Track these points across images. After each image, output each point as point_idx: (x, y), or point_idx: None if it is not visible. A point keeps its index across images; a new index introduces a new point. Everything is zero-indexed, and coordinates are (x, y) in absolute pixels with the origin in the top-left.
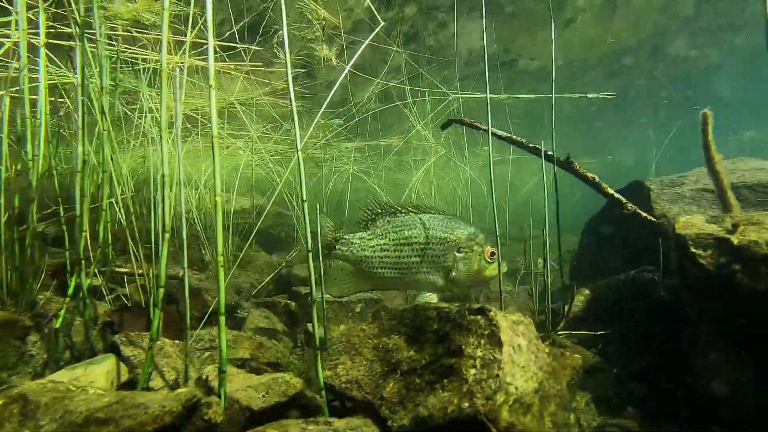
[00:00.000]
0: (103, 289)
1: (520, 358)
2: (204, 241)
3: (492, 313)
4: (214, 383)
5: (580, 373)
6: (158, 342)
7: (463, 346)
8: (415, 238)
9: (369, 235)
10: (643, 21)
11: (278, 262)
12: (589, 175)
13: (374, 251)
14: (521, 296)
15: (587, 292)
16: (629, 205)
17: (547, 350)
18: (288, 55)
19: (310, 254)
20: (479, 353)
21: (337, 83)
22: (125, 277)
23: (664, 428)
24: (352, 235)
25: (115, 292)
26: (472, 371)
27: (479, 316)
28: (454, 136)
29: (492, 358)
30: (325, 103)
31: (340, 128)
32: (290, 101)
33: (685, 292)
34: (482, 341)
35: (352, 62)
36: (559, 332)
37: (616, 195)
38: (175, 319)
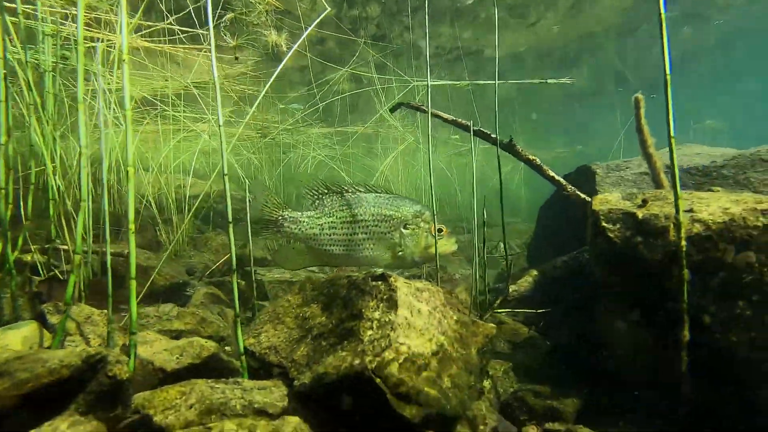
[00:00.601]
0: (39, 265)
1: (418, 321)
2: (159, 223)
3: (392, 279)
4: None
5: (493, 341)
6: (86, 311)
7: (363, 310)
8: (362, 216)
9: (317, 213)
10: (609, 15)
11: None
12: (531, 157)
13: (322, 229)
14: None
15: (535, 273)
16: (568, 187)
17: (455, 318)
18: (212, 32)
19: (231, 225)
20: (377, 316)
21: (280, 66)
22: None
23: (572, 392)
24: (300, 213)
25: (57, 268)
26: (369, 332)
27: (380, 282)
28: (424, 124)
29: (387, 320)
30: (268, 84)
31: (300, 113)
32: (213, 76)
33: (596, 265)
34: (381, 305)
35: (296, 46)
36: (501, 310)
37: (557, 177)
38: (119, 296)
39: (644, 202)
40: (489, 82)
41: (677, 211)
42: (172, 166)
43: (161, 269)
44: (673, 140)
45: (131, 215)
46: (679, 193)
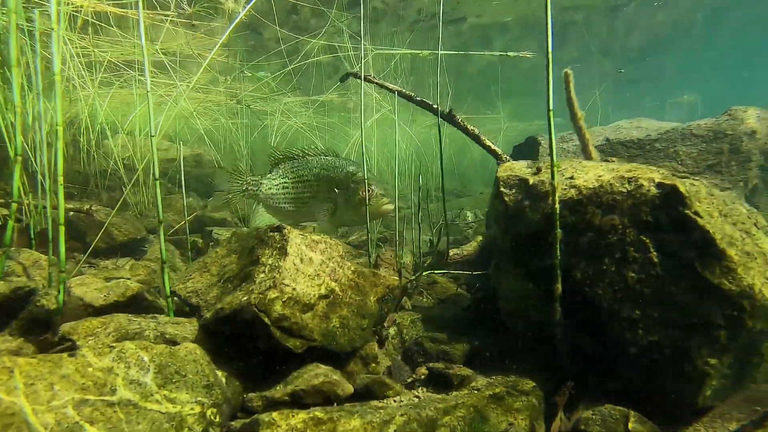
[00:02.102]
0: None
1: (308, 268)
2: (125, 183)
3: (287, 230)
4: (71, 286)
5: (395, 291)
6: (34, 256)
7: (260, 257)
8: (306, 177)
9: (274, 175)
10: None
11: (197, 206)
12: (470, 127)
13: (278, 189)
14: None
15: (480, 239)
16: (504, 156)
17: (352, 268)
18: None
19: (158, 183)
20: (270, 262)
21: (232, 25)
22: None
23: (466, 339)
24: (260, 176)
25: (20, 222)
26: (261, 275)
27: (276, 233)
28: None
29: (277, 265)
30: (217, 45)
31: (270, 80)
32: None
33: (494, 226)
34: (274, 253)
35: (249, 7)
36: (438, 272)
37: (493, 147)
38: (77, 248)
39: (538, 170)
40: (439, 52)
41: (552, 177)
42: (142, 130)
43: (120, 226)
44: (551, 113)
45: (61, 168)
46: (556, 162)
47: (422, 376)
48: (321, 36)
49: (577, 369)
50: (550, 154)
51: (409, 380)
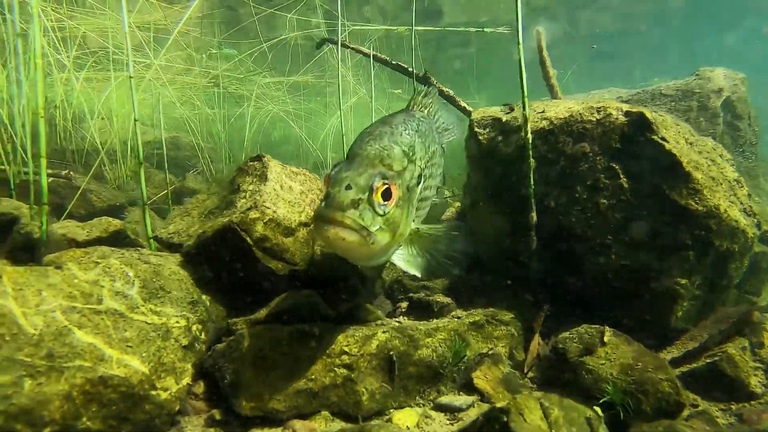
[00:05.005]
0: None
1: (288, 195)
2: (105, 160)
3: (266, 158)
4: (53, 229)
5: None
6: (14, 203)
7: (241, 185)
8: None
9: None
10: None
11: (175, 180)
12: (445, 90)
13: None
14: None
15: (458, 204)
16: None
17: None
18: None
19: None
20: (250, 188)
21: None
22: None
23: (444, 278)
24: None
25: None
26: (242, 201)
27: (256, 162)
28: (377, 80)
29: (257, 189)
30: (181, 22)
31: (237, 58)
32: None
33: (468, 165)
34: (255, 180)
35: None
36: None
37: (469, 108)
38: (57, 214)
39: (511, 109)
40: (412, 27)
41: (524, 108)
42: (119, 112)
43: (100, 193)
44: (521, 46)
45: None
46: (527, 99)
47: (403, 309)
48: (295, 12)
49: (552, 298)
50: (521, 87)
51: (390, 311)
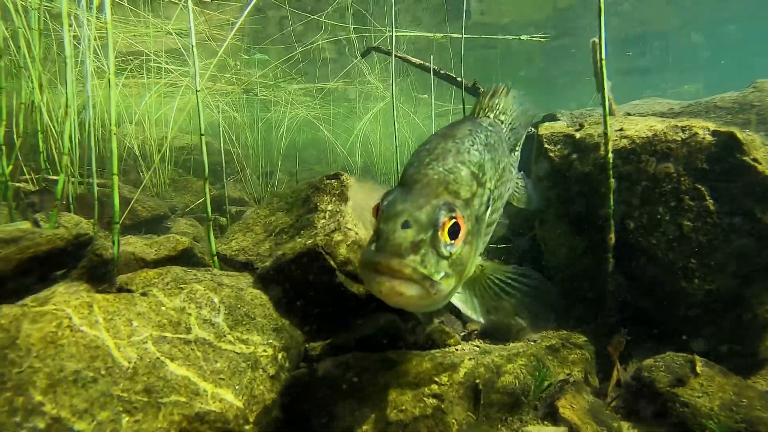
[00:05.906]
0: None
1: (367, 215)
2: (142, 166)
3: (344, 177)
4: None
5: None
6: (75, 219)
7: (318, 204)
8: None
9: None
10: None
11: (214, 188)
12: (456, 77)
13: None
14: None
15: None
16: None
17: None
18: None
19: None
20: (329, 207)
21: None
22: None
23: None
24: None
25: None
26: (322, 221)
27: (334, 180)
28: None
29: (338, 209)
30: (233, 30)
31: (272, 65)
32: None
33: (538, 183)
34: (333, 199)
35: None
36: None
37: None
38: (102, 224)
39: (581, 126)
40: (458, 35)
41: (605, 126)
42: (154, 118)
43: (144, 202)
44: (603, 62)
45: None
46: (609, 117)
47: (475, 330)
48: (325, 15)
49: (627, 322)
50: (603, 104)
51: (464, 333)
